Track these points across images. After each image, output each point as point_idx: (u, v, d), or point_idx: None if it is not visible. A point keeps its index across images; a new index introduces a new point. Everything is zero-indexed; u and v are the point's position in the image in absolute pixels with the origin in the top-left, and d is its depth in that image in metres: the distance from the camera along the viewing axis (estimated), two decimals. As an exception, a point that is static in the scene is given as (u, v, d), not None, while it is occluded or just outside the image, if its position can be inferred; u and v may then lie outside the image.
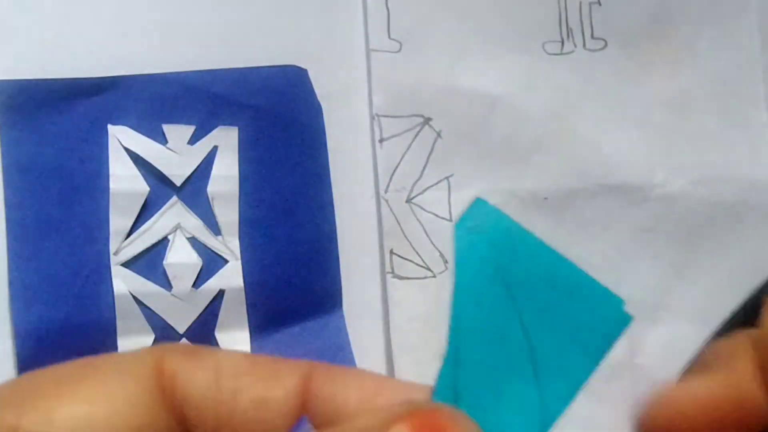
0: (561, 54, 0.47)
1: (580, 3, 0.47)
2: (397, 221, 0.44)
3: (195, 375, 0.18)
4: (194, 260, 0.41)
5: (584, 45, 0.47)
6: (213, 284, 0.41)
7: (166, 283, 0.40)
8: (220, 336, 0.41)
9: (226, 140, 0.41)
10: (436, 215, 0.44)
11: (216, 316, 0.41)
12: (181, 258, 0.41)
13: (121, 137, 0.40)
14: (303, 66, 0.43)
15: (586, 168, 0.46)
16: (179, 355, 0.19)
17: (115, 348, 0.39)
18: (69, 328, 0.38)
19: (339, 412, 0.18)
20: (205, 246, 0.41)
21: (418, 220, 0.44)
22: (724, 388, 0.20)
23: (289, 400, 0.18)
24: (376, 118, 0.44)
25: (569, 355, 0.17)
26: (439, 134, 0.45)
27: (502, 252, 0.17)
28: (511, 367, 0.17)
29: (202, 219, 0.41)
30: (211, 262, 0.41)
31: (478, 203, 0.18)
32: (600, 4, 0.47)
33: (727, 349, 0.21)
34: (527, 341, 0.17)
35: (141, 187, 0.40)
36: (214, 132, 0.41)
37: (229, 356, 0.19)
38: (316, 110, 0.43)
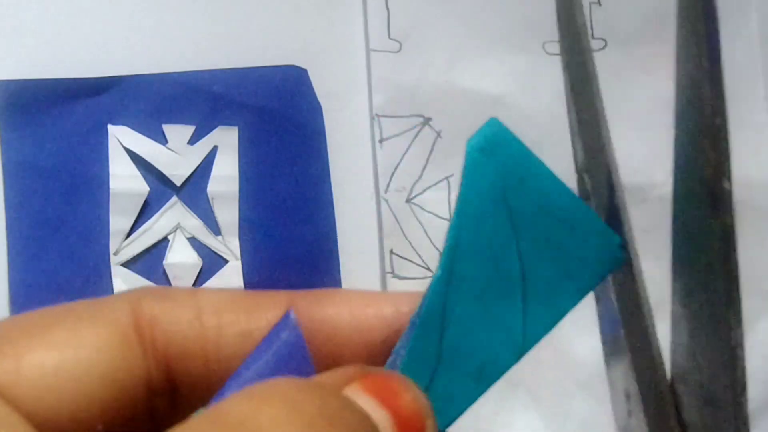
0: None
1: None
2: (397, 221, 0.44)
3: (175, 316, 0.18)
4: (194, 260, 0.41)
5: (584, 45, 0.47)
6: (213, 284, 0.41)
7: (166, 283, 0.40)
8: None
9: (226, 140, 0.41)
10: (436, 215, 0.44)
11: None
12: (181, 258, 0.41)
13: (121, 137, 0.40)
14: (303, 66, 0.43)
15: (586, 168, 0.46)
16: (157, 299, 0.18)
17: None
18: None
19: (333, 330, 0.18)
20: (205, 246, 0.41)
21: (418, 220, 0.44)
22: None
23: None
24: (376, 118, 0.44)
25: (558, 284, 0.18)
26: (439, 134, 0.45)
27: (509, 176, 0.18)
28: (501, 289, 0.17)
29: (202, 219, 0.41)
30: (211, 262, 0.41)
31: (492, 123, 0.18)
32: (600, 4, 0.47)
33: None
34: (520, 266, 0.17)
35: (141, 187, 0.40)
36: (214, 132, 0.41)
37: (207, 294, 0.19)
38: (316, 110, 0.43)
